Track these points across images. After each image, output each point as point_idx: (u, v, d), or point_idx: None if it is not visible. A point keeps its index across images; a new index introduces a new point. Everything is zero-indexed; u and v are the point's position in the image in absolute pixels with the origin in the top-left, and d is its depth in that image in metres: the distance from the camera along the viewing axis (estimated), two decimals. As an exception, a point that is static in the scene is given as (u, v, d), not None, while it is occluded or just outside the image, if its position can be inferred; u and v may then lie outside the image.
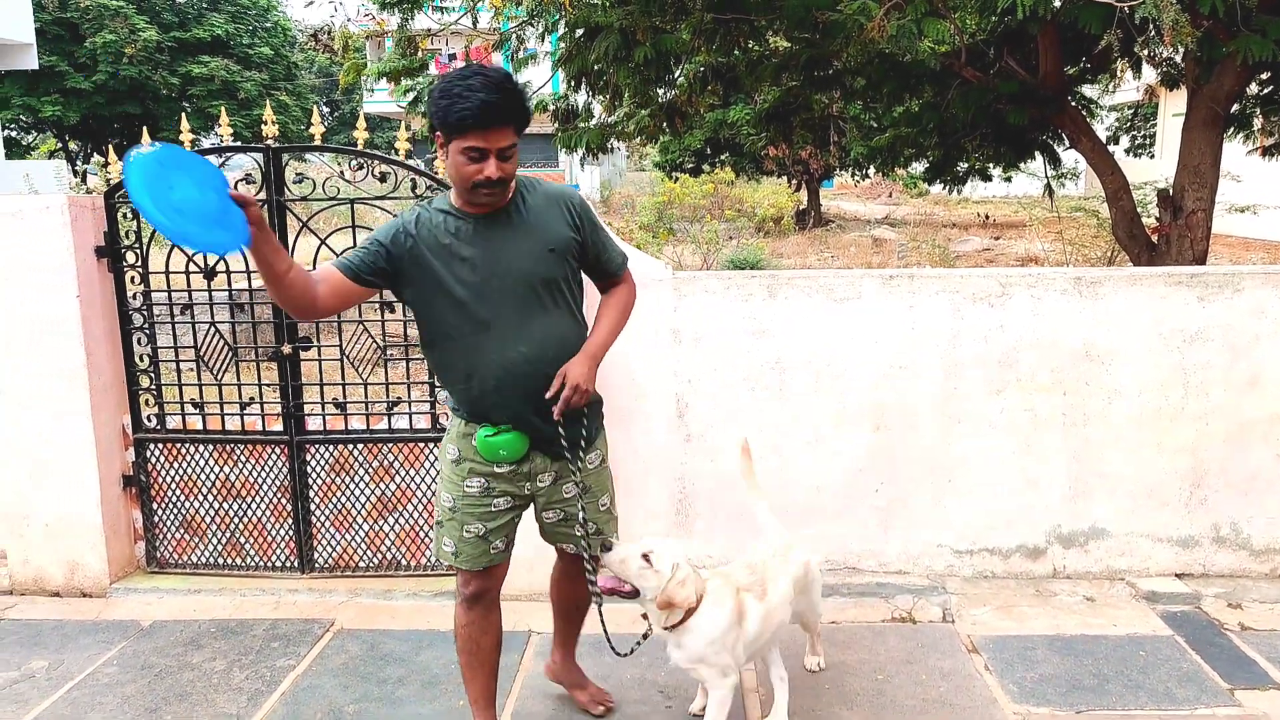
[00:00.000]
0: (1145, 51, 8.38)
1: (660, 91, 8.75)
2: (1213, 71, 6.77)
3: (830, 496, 4.07)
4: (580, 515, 2.83)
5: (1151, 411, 3.92)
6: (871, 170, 15.56)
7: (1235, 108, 7.99)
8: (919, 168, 13.09)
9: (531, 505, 2.87)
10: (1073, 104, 8.36)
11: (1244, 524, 3.98)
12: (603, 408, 3.00)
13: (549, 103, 9.24)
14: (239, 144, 4.35)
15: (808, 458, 4.04)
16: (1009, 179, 12.65)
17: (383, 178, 4.12)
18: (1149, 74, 9.86)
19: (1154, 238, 7.70)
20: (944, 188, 11.65)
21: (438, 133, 2.56)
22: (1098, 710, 3.14)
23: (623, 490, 4.07)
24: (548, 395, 2.63)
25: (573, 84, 8.70)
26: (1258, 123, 8.98)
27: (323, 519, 4.25)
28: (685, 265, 12.77)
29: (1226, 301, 3.85)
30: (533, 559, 3.97)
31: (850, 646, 3.59)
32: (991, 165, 10.80)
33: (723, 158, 21.69)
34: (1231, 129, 8.57)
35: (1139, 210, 8.82)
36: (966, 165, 10.64)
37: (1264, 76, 7.85)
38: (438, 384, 2.89)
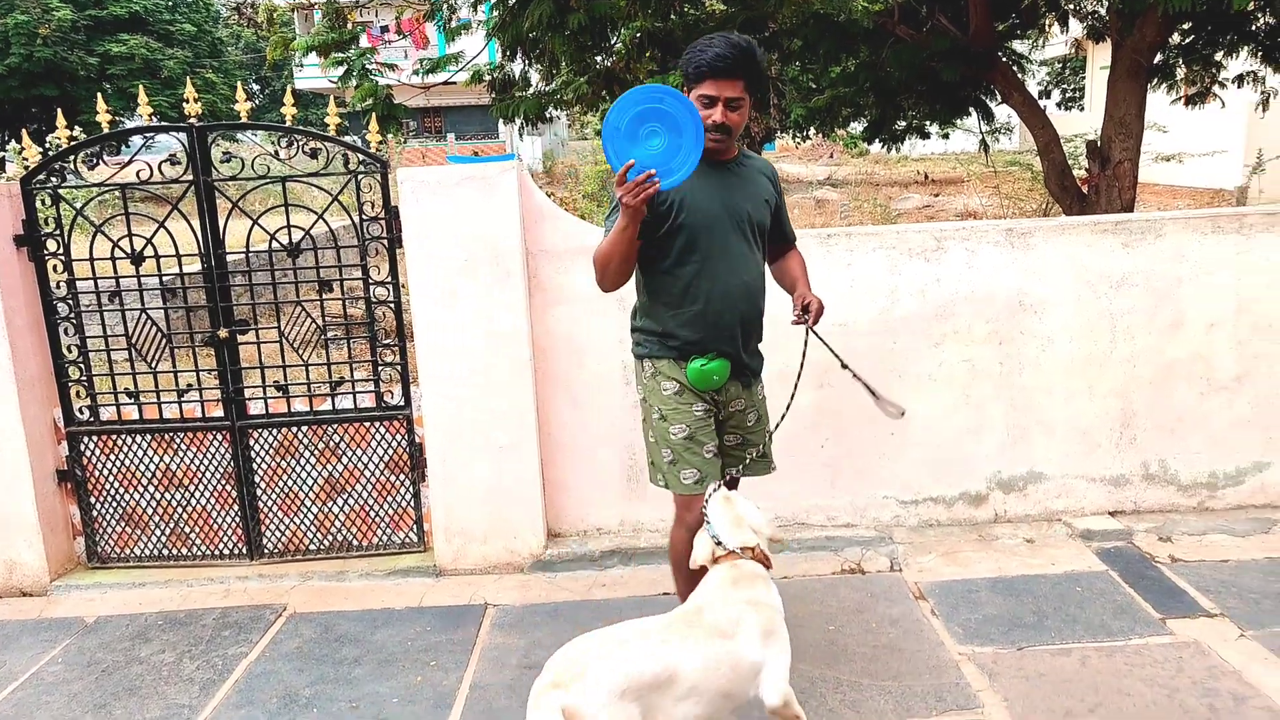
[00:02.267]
0: (1071, 5, 8.51)
1: (598, 59, 8.68)
2: (1135, 23, 6.90)
3: (778, 454, 4.13)
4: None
5: (1082, 357, 4.03)
6: (812, 132, 15.59)
7: (1158, 59, 8.16)
8: (858, 127, 13.20)
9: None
10: (1004, 59, 8.46)
11: (1171, 461, 4.12)
12: None
13: (484, 73, 9.10)
14: (161, 124, 4.23)
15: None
16: (946, 136, 12.80)
17: (314, 154, 4.04)
18: (1076, 28, 10.01)
19: (1084, 188, 7.87)
20: (883, 147, 11.76)
21: (684, 85, 2.83)
22: (1038, 646, 3.25)
23: (574, 459, 4.12)
24: (796, 313, 2.91)
25: (508, 53, 8.58)
26: (1180, 73, 9.17)
27: (270, 504, 4.21)
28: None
29: (1149, 247, 3.96)
30: (486, 532, 4.01)
31: (802, 599, 3.67)
32: (928, 123, 10.92)
33: (663, 124, 21.54)
34: (1155, 80, 8.74)
35: (1070, 162, 9.00)
36: (904, 123, 10.75)
37: (1185, 27, 8.02)
38: (649, 323, 2.98)
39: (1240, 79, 9.11)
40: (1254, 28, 7.98)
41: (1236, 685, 2.96)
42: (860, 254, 3.98)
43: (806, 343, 3.00)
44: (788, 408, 3.03)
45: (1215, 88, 9.25)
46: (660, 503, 4.16)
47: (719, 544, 2.61)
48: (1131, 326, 4.02)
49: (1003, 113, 10.50)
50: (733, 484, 3.06)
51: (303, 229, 4.05)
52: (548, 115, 9.20)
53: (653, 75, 11.64)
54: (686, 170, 2.62)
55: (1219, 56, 8.60)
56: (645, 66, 9.13)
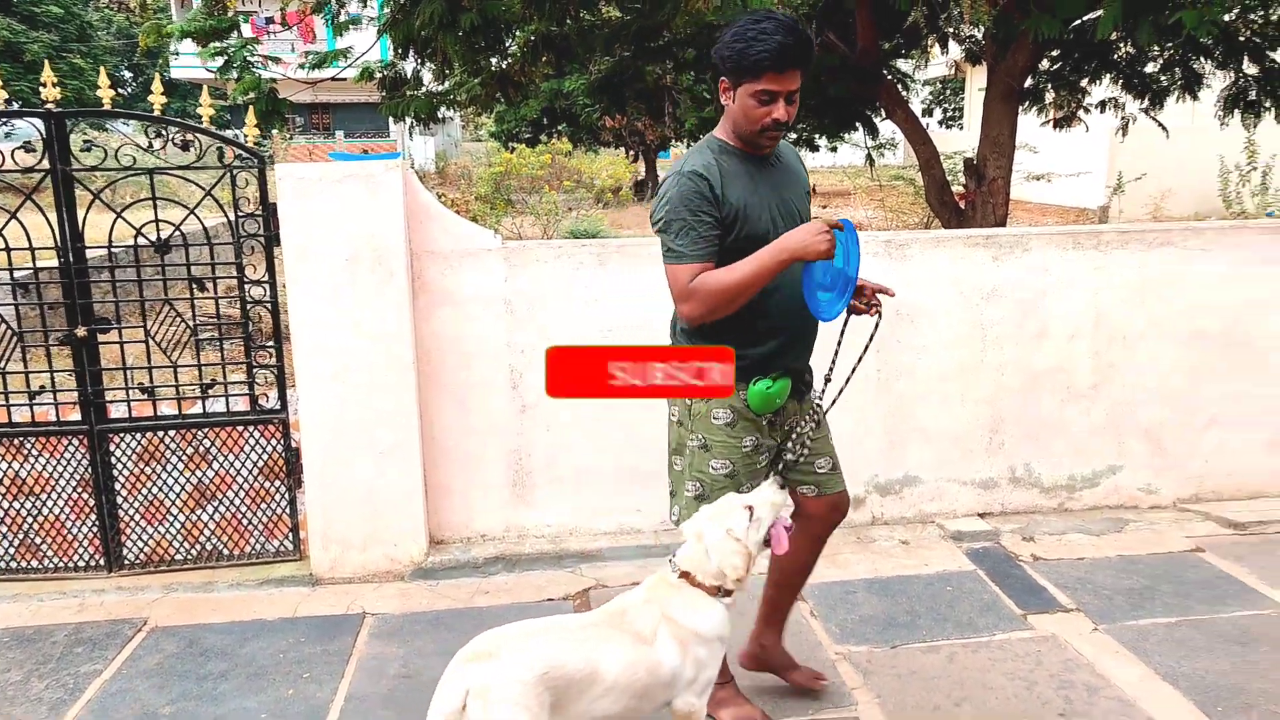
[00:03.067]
0: (951, 28, 8.88)
1: (493, 60, 8.60)
2: (1008, 49, 7.24)
3: (664, 458, 4.15)
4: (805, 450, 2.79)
5: (955, 366, 4.20)
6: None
7: (1030, 83, 8.59)
8: (748, 138, 13.43)
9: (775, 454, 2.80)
10: (889, 78, 8.77)
11: (1035, 465, 4.33)
12: None
13: (375, 70, 8.91)
14: (14, 109, 3.98)
15: (642, 420, 4.08)
16: (834, 149, 13.17)
17: (186, 146, 3.87)
18: (956, 50, 10.44)
19: (961, 203, 8.21)
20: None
21: (722, 78, 2.52)
22: (910, 644, 3.36)
23: (459, 464, 4.06)
24: (872, 310, 2.68)
25: (399, 51, 8.42)
26: (1049, 97, 9.67)
27: (131, 512, 3.99)
28: (526, 237, 12.66)
29: (1017, 261, 4.15)
30: (365, 539, 3.91)
31: (684, 603, 3.69)
32: (817, 136, 11.21)
33: (560, 128, 21.57)
34: (1027, 102, 9.19)
35: (949, 178, 9.37)
36: (794, 136, 11.00)
37: (1054, 54, 8.46)
38: (707, 344, 2.62)
39: (1103, 104, 9.67)
40: (1116, 57, 8.49)
41: (1090, 677, 3.12)
42: (745, 262, 4.04)
43: (876, 327, 2.74)
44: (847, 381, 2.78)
45: (1080, 112, 9.79)
46: (549, 506, 4.14)
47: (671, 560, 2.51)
48: (1000, 336, 4.20)
49: (888, 129, 10.87)
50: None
51: (173, 224, 3.87)
52: (440, 116, 9.07)
53: (548, 79, 11.57)
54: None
55: (1084, 82, 9.10)
56: (540, 70, 9.10)
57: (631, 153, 23.68)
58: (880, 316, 2.69)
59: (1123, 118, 9.67)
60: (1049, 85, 9.25)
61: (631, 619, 2.39)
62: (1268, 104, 8.47)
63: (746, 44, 2.41)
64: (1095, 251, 4.19)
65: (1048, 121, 10.13)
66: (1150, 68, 8.75)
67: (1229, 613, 3.51)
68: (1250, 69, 8.38)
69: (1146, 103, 8.98)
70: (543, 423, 4.06)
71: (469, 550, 4.05)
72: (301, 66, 8.24)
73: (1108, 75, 8.80)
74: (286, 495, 4.04)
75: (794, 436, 2.75)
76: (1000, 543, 4.15)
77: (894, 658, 3.28)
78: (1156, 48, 7.91)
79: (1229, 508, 4.36)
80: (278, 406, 4.00)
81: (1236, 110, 8.64)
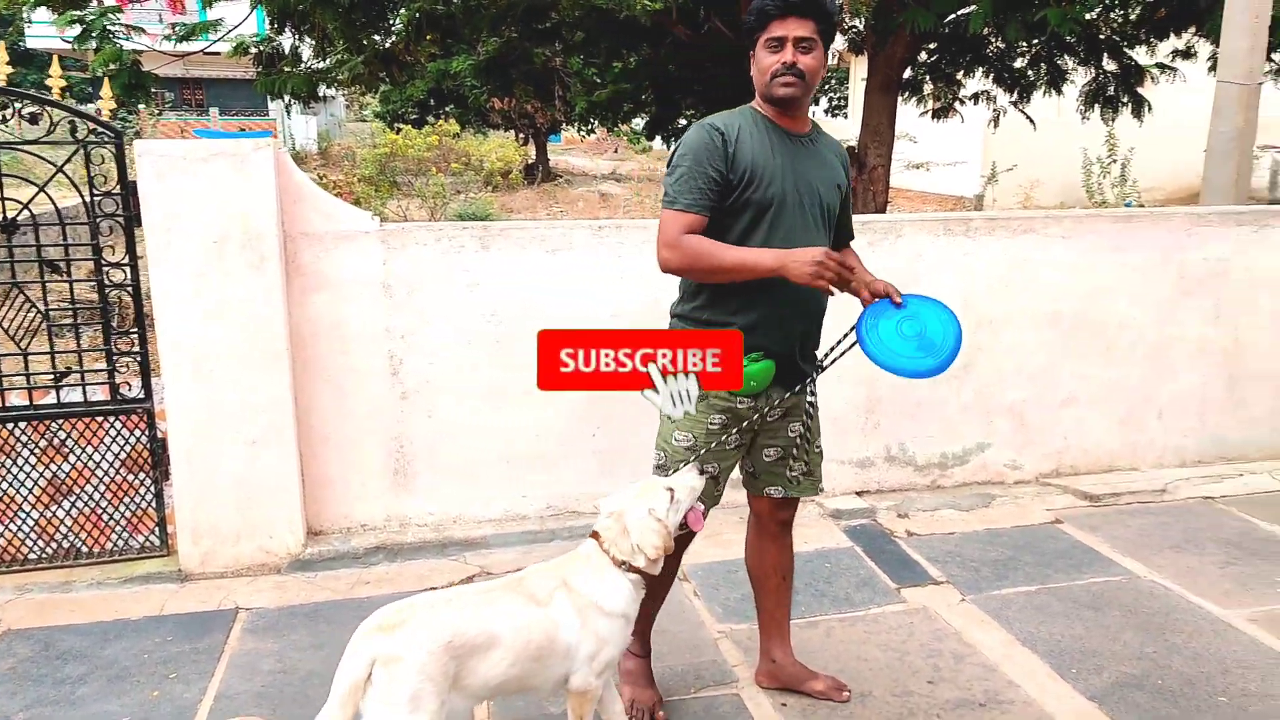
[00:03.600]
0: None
1: (376, 38, 8.37)
2: (887, 40, 7.46)
3: (551, 443, 4.15)
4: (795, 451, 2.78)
5: (833, 348, 4.30)
6: (595, 125, 15.77)
7: (909, 74, 8.88)
8: (640, 123, 13.48)
9: (747, 450, 2.77)
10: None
11: (909, 444, 4.49)
12: None
13: (250, 45, 8.55)
14: None
15: (527, 406, 4.07)
16: (723, 136, 13.31)
17: (33, 119, 3.64)
18: (841, 40, 10.67)
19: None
20: (664, 143, 12.09)
21: (750, 52, 2.58)
22: (790, 620, 3.44)
23: (338, 452, 3.96)
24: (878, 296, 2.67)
25: (276, 25, 8.11)
26: (928, 88, 10.00)
27: (-17, 508, 3.76)
28: (413, 220, 12.40)
29: (890, 246, 4.29)
30: (238, 531, 3.78)
31: (569, 588, 3.69)
32: (706, 122, 11.33)
33: (447, 109, 21.12)
34: (906, 93, 9.49)
35: (832, 166, 9.59)
36: (684, 121, 11.09)
37: (931, 46, 8.76)
38: (694, 309, 2.63)
39: (976, 97, 10.06)
40: (988, 51, 8.84)
41: (957, 645, 3.27)
42: (630, 246, 4.06)
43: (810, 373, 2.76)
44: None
45: (956, 103, 10.17)
46: (432, 493, 4.08)
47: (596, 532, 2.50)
48: (876, 320, 4.33)
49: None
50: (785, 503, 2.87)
51: (20, 203, 3.63)
52: (321, 94, 8.78)
53: (435, 59, 11.35)
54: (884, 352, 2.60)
55: (959, 75, 9.45)
56: (426, 50, 8.90)
57: (521, 135, 23.43)
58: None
59: (994, 110, 10.09)
60: (927, 77, 9.57)
61: (528, 583, 2.40)
62: (1125, 99, 8.97)
63: (759, 3, 2.50)
64: (965, 238, 4.36)
65: (926, 112, 10.49)
66: (1019, 63, 9.15)
67: (1084, 580, 3.72)
68: (1110, 66, 8.86)
69: (1016, 96, 9.40)
70: (424, 409, 3.99)
71: (349, 540, 3.96)
72: (168, 38, 7.84)
73: (981, 69, 9.15)
74: (152, 488, 3.87)
75: (772, 434, 2.74)
76: (877, 520, 4.30)
77: (773, 634, 3.36)
78: (1024, 44, 8.28)
79: (1085, 481, 4.62)
80: (141, 395, 3.82)
81: (1096, 105, 9.12)
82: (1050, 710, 2.89)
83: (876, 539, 4.11)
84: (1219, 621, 3.39)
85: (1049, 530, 4.19)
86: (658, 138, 11.44)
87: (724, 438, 2.65)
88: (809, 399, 2.78)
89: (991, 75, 9.23)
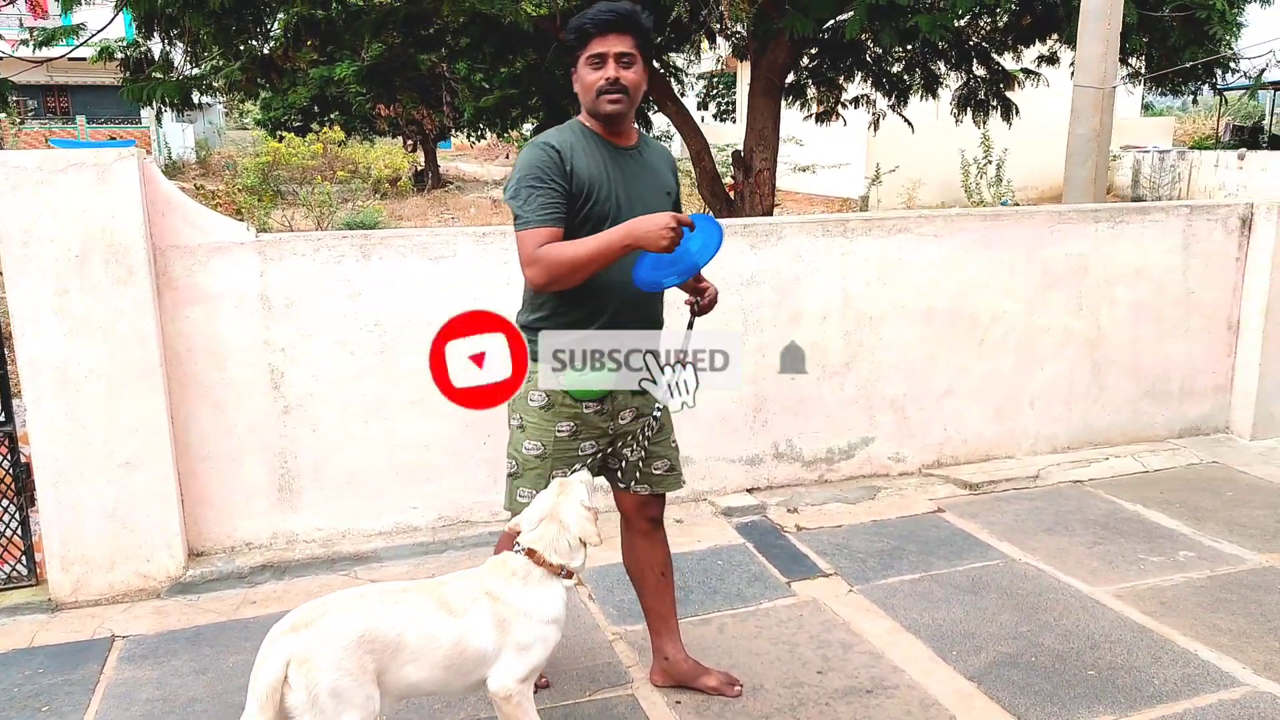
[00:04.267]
0: (717, 25, 9.25)
1: (253, 44, 8.12)
2: (768, 46, 7.64)
3: (440, 453, 4.10)
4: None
5: (720, 348, 4.39)
6: (485, 130, 15.65)
7: (791, 79, 9.11)
8: (529, 128, 13.44)
9: (608, 453, 2.84)
10: (660, 70, 9.02)
11: (796, 439, 4.61)
12: None
13: (116, 50, 8.20)
14: None
15: (414, 416, 4.02)
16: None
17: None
18: (725, 46, 10.86)
19: (731, 194, 8.59)
20: (553, 149, 12.07)
21: (572, 70, 2.65)
22: (683, 619, 3.42)
23: (218, 471, 3.84)
24: (688, 300, 2.75)
25: (143, 29, 7.79)
26: (811, 92, 10.28)
27: None
28: (299, 229, 12.06)
29: (772, 249, 4.39)
30: (113, 557, 3.62)
31: (464, 597, 3.66)
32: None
33: (332, 116, 20.65)
34: (790, 97, 9.73)
35: (721, 170, 9.78)
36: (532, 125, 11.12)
37: (813, 52, 9.01)
38: (537, 319, 2.69)
39: (857, 100, 10.38)
40: (866, 57, 9.14)
41: (845, 635, 3.37)
42: (514, 251, 4.04)
43: (691, 325, 2.82)
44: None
45: (839, 107, 10.48)
46: (317, 508, 3.99)
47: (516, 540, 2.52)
48: (761, 320, 4.43)
49: (665, 120, 11.18)
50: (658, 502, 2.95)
51: None
52: (195, 101, 8.48)
53: (315, 65, 11.07)
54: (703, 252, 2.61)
55: (840, 80, 9.74)
56: (305, 56, 8.69)
57: (410, 142, 23.07)
58: (695, 314, 2.80)
59: (874, 113, 10.43)
60: (809, 81, 9.84)
61: (444, 590, 2.40)
62: (994, 103, 9.40)
63: (576, 19, 2.61)
64: (842, 239, 4.50)
65: (810, 116, 10.78)
66: (896, 68, 9.49)
67: (964, 565, 3.87)
68: (980, 71, 9.27)
69: (894, 100, 9.74)
70: (308, 423, 3.90)
71: (233, 560, 3.84)
72: (25, 43, 7.46)
73: (860, 73, 9.46)
74: (18, 515, 3.67)
75: (631, 436, 2.82)
76: (767, 515, 4.39)
77: (667, 632, 3.40)
78: (899, 49, 8.59)
79: (964, 470, 4.82)
80: (2, 419, 3.62)
81: (968, 108, 9.53)
82: (933, 693, 3.01)
83: (767, 534, 4.20)
84: (1087, 599, 3.58)
85: (932, 519, 4.35)
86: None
87: (574, 445, 2.73)
88: (657, 401, 2.84)
89: (870, 80, 9.55)
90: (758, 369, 4.47)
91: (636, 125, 2.82)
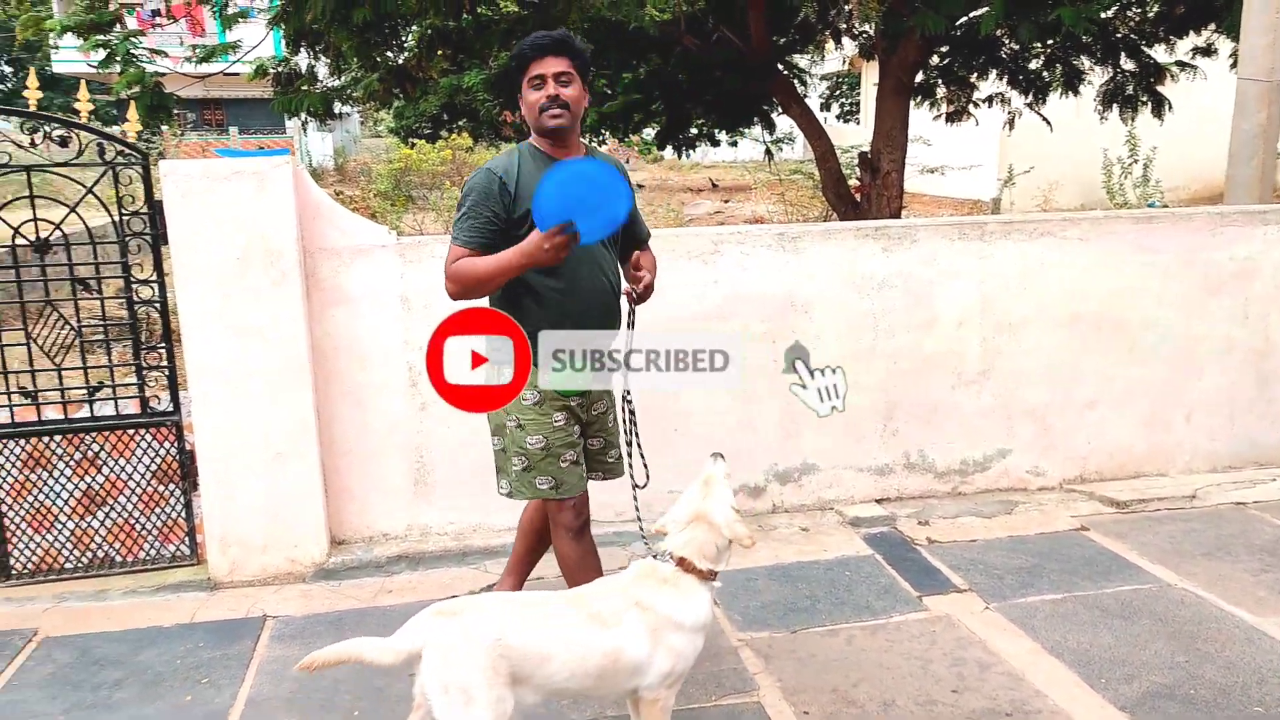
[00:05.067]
0: (843, 24, 9.11)
1: (389, 56, 8.46)
2: (898, 44, 7.47)
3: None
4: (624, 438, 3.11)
5: (849, 354, 4.32)
6: (606, 136, 15.82)
7: (920, 78, 8.87)
8: (651, 133, 13.53)
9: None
10: (784, 72, 8.94)
11: (928, 450, 4.48)
12: None
13: (268, 65, 8.67)
14: (-126, 103, 3.76)
15: (544, 418, 4.10)
16: (735, 144, 13.35)
17: (64, 142, 3.71)
18: (851, 46, 10.67)
19: (857, 196, 8.43)
20: (675, 153, 12.12)
21: (518, 95, 2.87)
22: (810, 628, 3.45)
23: (359, 464, 4.00)
24: (628, 284, 2.94)
25: (292, 45, 8.21)
26: (941, 91, 9.98)
27: (17, 520, 3.83)
28: (428, 233, 12.48)
29: (905, 252, 4.29)
30: (265, 542, 3.83)
31: (591, 596, 3.71)
32: (716, 130, 11.36)
33: (460, 123, 21.20)
34: (919, 97, 9.48)
35: (846, 172, 9.61)
36: (695, 130, 11.12)
37: (943, 50, 8.76)
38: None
39: (991, 99, 10.03)
40: (1001, 53, 8.82)
41: (981, 654, 3.25)
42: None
43: (632, 312, 3.03)
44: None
45: (970, 106, 10.14)
46: (449, 506, 4.11)
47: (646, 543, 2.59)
48: (892, 325, 4.34)
49: (787, 122, 11.08)
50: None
51: (52, 223, 3.71)
52: (336, 111, 8.88)
53: (447, 74, 11.46)
54: (607, 222, 2.70)
55: (973, 78, 9.43)
56: (437, 65, 8.98)
57: (534, 149, 23.49)
58: (632, 304, 2.98)
59: (1010, 112, 10.06)
60: (939, 80, 9.56)
61: (592, 601, 2.43)
62: (1144, 99, 8.92)
63: (517, 48, 2.86)
64: (980, 242, 4.36)
65: (940, 116, 10.47)
66: (1034, 64, 9.12)
67: (1112, 588, 3.67)
68: (1127, 65, 8.82)
69: (1031, 98, 9.36)
70: (442, 420, 4.02)
71: (371, 550, 4.00)
72: (189, 60, 7.97)
73: (994, 71, 9.13)
74: (182, 499, 3.93)
75: (597, 426, 3.07)
76: (897, 527, 4.29)
77: (794, 642, 3.36)
78: (1038, 44, 8.26)
79: (1111, 487, 4.58)
80: (170, 409, 3.88)
81: (1115, 105, 9.08)
82: None
83: (897, 546, 4.11)
84: (1253, 630, 3.34)
85: (1075, 537, 4.16)
86: (669, 147, 11.46)
87: (572, 429, 2.97)
88: (625, 393, 3.08)
89: (1006, 77, 9.20)
90: (888, 376, 4.37)
91: (584, 140, 3.04)
